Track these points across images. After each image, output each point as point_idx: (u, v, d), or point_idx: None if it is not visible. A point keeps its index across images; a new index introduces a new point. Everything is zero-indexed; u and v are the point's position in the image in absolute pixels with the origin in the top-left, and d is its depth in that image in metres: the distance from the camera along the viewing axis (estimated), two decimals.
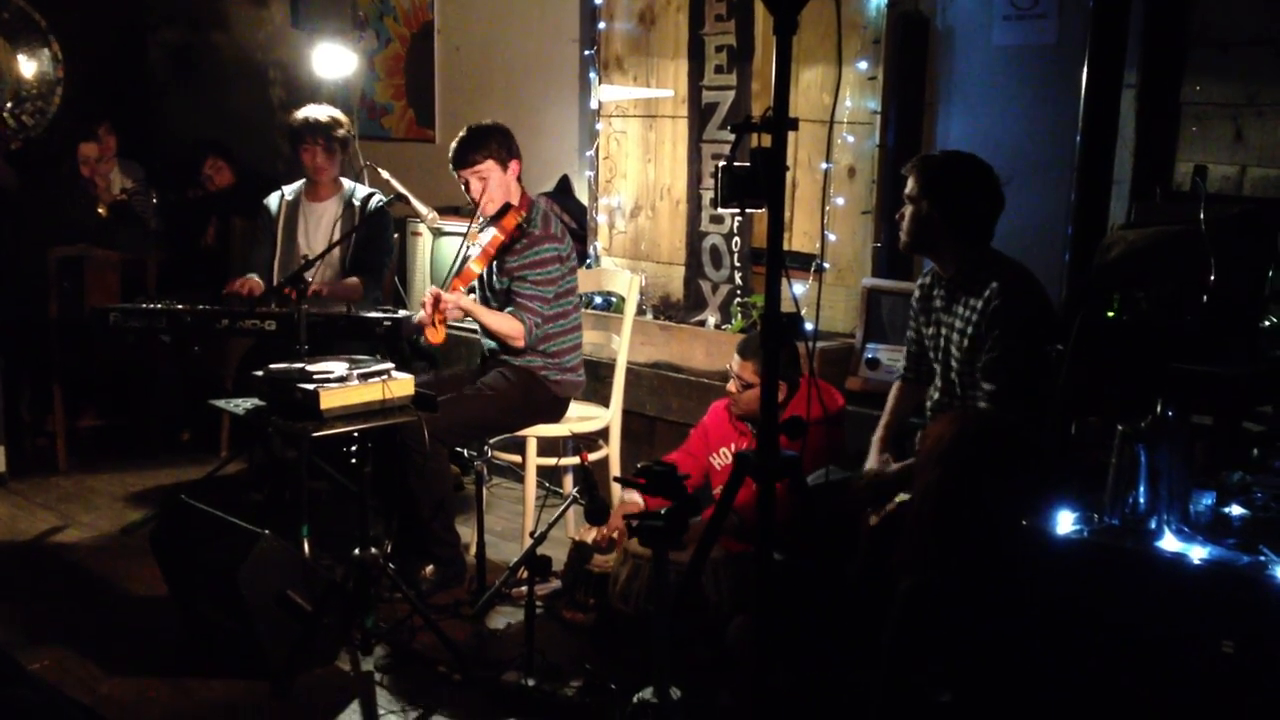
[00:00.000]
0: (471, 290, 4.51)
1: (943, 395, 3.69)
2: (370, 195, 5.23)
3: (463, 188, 4.53)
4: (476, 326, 4.62)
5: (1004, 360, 3.42)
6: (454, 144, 4.48)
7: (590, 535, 4.12)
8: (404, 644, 3.90)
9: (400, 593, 3.88)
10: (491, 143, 4.45)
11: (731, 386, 4.07)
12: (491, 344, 4.63)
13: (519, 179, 4.57)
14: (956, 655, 3.25)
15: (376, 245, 5.20)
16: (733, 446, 4.16)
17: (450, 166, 4.50)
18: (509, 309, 4.45)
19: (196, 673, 3.75)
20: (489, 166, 4.44)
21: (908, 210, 3.58)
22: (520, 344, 4.45)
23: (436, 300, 4.25)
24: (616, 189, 5.55)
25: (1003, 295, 3.44)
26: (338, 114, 5.21)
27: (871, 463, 3.70)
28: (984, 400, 3.47)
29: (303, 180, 5.28)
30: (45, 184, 5.95)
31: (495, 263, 4.49)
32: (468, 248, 4.52)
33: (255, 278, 5.08)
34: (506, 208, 4.44)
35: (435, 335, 4.30)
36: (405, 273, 6.02)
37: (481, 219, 4.53)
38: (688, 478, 3.06)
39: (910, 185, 3.57)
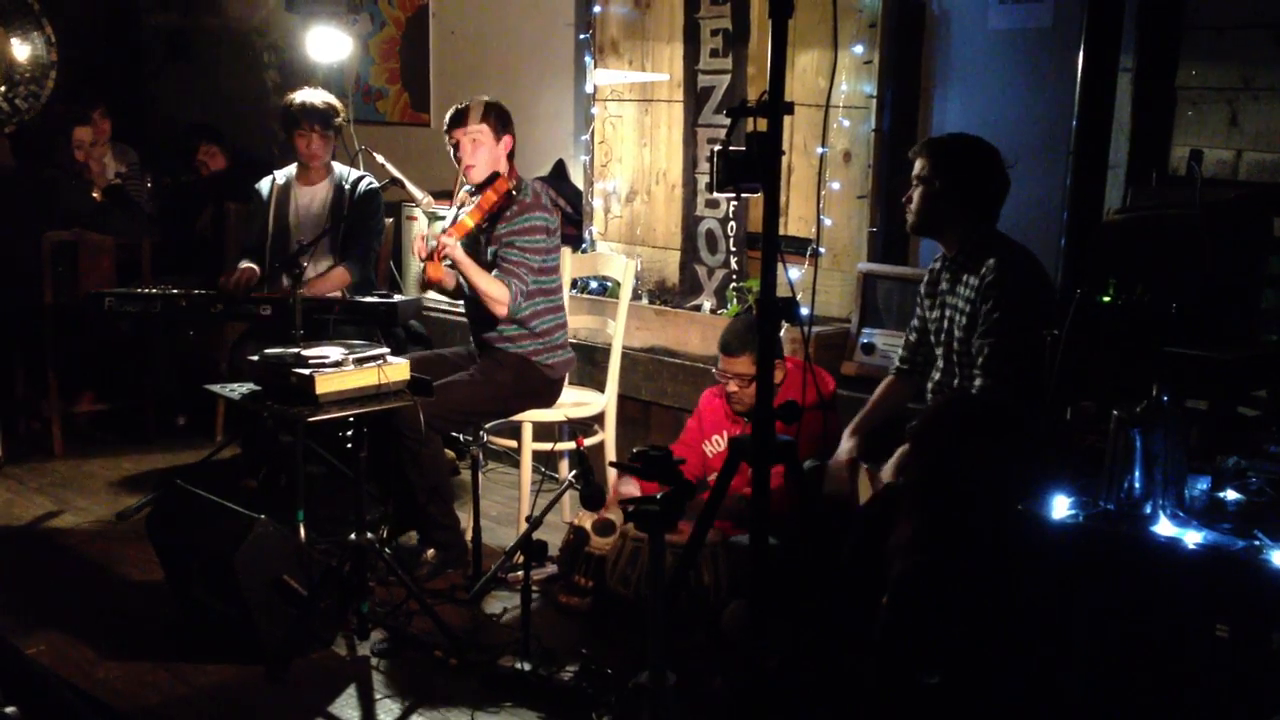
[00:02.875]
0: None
1: (944, 376, 3.70)
2: (361, 179, 5.21)
3: (451, 151, 4.48)
4: (467, 316, 4.63)
5: (995, 333, 3.45)
6: (451, 109, 4.49)
7: (589, 520, 4.12)
8: (400, 629, 3.90)
9: (396, 577, 3.89)
10: (490, 112, 4.45)
11: (732, 387, 4.04)
12: (480, 332, 4.61)
13: (509, 157, 4.55)
14: (947, 638, 3.26)
15: (365, 227, 5.19)
16: (724, 434, 4.16)
17: (445, 128, 4.48)
18: (495, 274, 4.42)
19: (192, 657, 3.76)
20: (484, 129, 4.42)
21: (916, 191, 3.60)
22: (503, 310, 4.40)
23: (441, 248, 4.29)
24: (612, 173, 5.54)
25: (998, 270, 3.48)
26: (332, 99, 5.19)
27: (841, 452, 3.73)
28: (978, 373, 3.48)
29: (294, 164, 5.26)
30: (39, 168, 5.93)
31: (485, 232, 4.46)
32: (457, 210, 4.49)
33: (250, 265, 5.07)
34: (494, 175, 4.43)
35: (435, 270, 4.35)
36: (400, 257, 6.01)
37: (468, 186, 4.51)
38: (683, 462, 3.06)
39: (919, 166, 3.59)
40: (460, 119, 4.44)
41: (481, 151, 4.44)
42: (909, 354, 3.90)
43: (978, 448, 3.24)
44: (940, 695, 3.26)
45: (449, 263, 4.37)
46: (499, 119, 4.47)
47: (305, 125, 5.08)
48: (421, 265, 4.41)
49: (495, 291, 4.38)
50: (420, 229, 5.67)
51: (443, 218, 5.58)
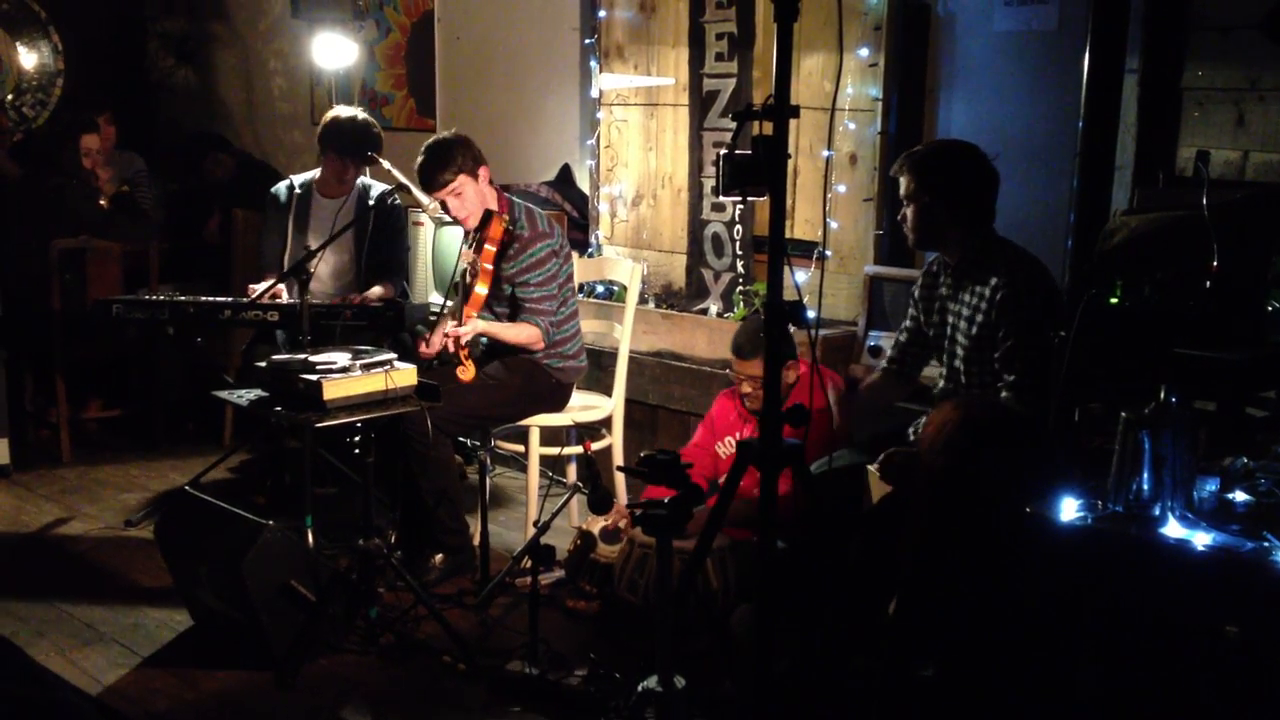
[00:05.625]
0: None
1: (948, 383, 3.69)
2: (384, 193, 5.16)
3: (439, 208, 4.46)
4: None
5: (1019, 350, 3.43)
6: (419, 168, 4.42)
7: (598, 525, 4.12)
8: (408, 634, 3.91)
9: (404, 582, 3.89)
10: (457, 157, 4.37)
11: (747, 388, 4.06)
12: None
13: (490, 182, 4.52)
14: (951, 636, 3.26)
15: (396, 243, 5.18)
16: (737, 435, 4.17)
17: (421, 192, 4.47)
18: (521, 316, 4.43)
19: (201, 663, 3.76)
20: (462, 181, 4.37)
21: (908, 210, 3.60)
22: (540, 347, 4.44)
23: (456, 340, 4.14)
24: (618, 178, 5.55)
25: (1009, 285, 3.45)
26: (370, 119, 5.11)
27: None
28: (1005, 390, 3.47)
29: (315, 171, 5.23)
30: (46, 175, 5.95)
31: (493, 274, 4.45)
32: (463, 271, 4.41)
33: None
34: (488, 216, 4.36)
35: (466, 374, 4.17)
36: (407, 263, 6.00)
37: (470, 237, 4.50)
38: (690, 466, 3.06)
39: (904, 184, 3.59)
40: (434, 181, 4.38)
41: (468, 200, 4.41)
42: (898, 354, 3.89)
43: (991, 454, 3.23)
44: (941, 691, 3.25)
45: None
46: (467, 158, 4.40)
47: (342, 151, 5.03)
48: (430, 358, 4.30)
49: (527, 337, 4.40)
50: (433, 247, 5.67)
51: (449, 222, 5.60)
